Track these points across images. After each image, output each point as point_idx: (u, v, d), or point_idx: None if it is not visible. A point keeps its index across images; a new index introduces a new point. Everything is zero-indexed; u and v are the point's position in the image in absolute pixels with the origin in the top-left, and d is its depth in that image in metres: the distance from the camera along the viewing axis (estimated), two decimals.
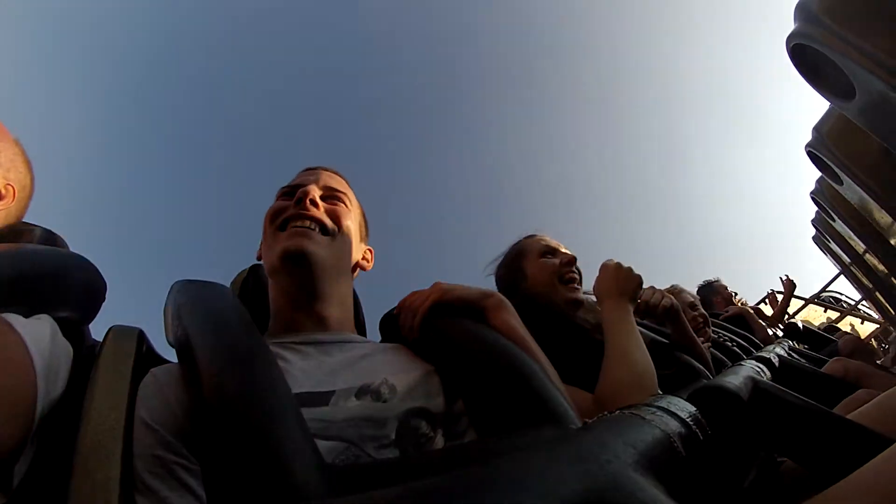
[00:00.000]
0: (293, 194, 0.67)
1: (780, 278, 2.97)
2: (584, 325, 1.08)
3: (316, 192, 0.67)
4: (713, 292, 2.72)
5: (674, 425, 0.43)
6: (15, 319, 0.45)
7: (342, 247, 0.67)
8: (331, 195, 0.70)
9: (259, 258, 0.72)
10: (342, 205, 0.70)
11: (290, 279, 0.63)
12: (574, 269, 1.13)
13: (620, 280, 0.97)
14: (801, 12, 1.16)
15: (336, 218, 0.67)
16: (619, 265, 1.00)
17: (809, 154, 1.87)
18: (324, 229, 0.65)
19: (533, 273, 1.12)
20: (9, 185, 0.66)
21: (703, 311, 1.71)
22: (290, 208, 0.65)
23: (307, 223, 0.64)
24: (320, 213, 0.66)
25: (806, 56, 1.22)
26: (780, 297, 3.07)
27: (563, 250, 1.16)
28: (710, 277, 2.81)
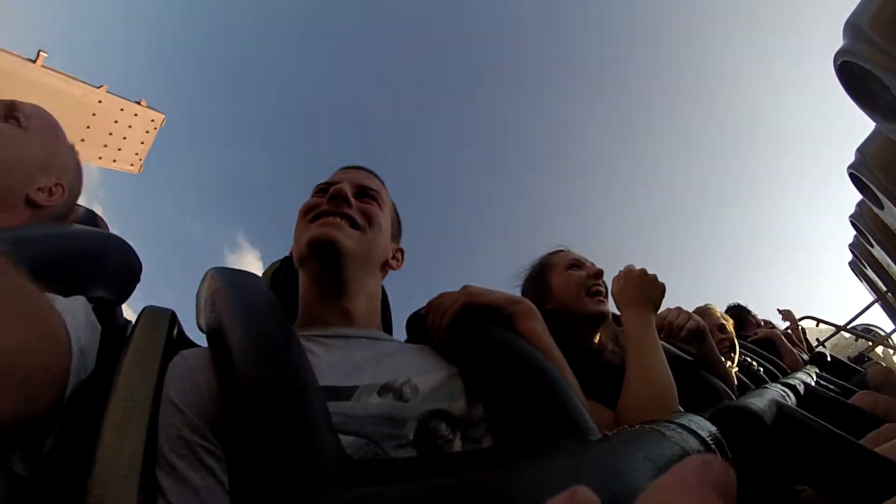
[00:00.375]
0: (327, 191, 0.68)
1: (779, 311, 2.79)
2: (601, 346, 1.06)
3: (349, 190, 0.68)
4: (744, 312, 2.64)
5: (694, 444, 0.42)
6: (55, 299, 0.47)
7: (371, 242, 0.68)
8: (364, 194, 0.71)
9: (292, 254, 0.73)
10: (374, 203, 0.71)
11: (317, 267, 0.64)
12: (601, 282, 1.11)
13: (645, 287, 0.94)
14: (850, 29, 1.12)
15: (367, 215, 0.68)
16: (643, 272, 0.97)
17: (851, 176, 1.80)
18: (354, 224, 0.66)
19: (559, 285, 1.10)
20: (59, 184, 0.70)
21: (731, 335, 1.67)
22: (322, 204, 0.66)
23: (338, 218, 0.65)
24: (352, 210, 0.67)
25: (854, 74, 1.17)
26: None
27: (590, 264, 1.15)
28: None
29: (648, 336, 0.87)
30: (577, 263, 1.14)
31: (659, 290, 0.95)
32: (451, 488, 0.23)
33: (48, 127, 0.71)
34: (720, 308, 1.91)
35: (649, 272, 0.97)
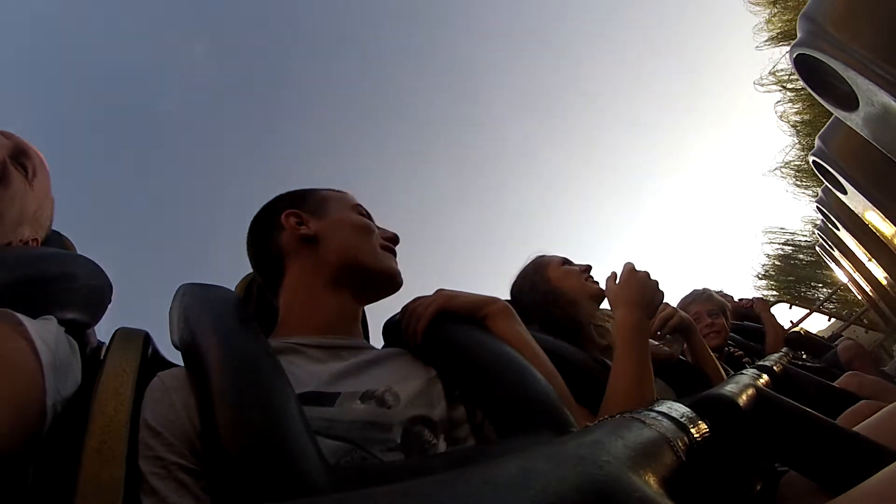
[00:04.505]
0: (369, 218, 0.73)
1: (747, 300, 2.72)
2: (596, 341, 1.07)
3: None
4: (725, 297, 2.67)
5: (674, 430, 0.43)
6: (24, 319, 0.46)
7: None
8: None
9: (305, 235, 0.65)
10: None
11: (367, 290, 0.68)
12: (591, 276, 1.14)
13: (646, 292, 0.89)
14: (805, 22, 1.17)
15: None
16: (647, 274, 0.92)
17: (814, 164, 1.88)
18: None
19: (558, 278, 1.13)
20: (35, 239, 0.68)
21: (723, 321, 1.71)
22: (379, 236, 0.70)
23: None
24: None
25: (811, 66, 1.22)
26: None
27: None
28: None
29: (641, 339, 0.83)
30: (568, 261, 1.18)
31: (659, 299, 0.91)
32: (431, 488, 0.23)
33: (45, 181, 0.69)
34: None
35: (652, 276, 0.92)
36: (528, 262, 1.23)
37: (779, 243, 8.88)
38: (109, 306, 0.68)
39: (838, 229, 2.52)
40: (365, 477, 0.39)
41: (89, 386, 0.47)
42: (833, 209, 2.43)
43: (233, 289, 0.76)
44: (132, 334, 0.53)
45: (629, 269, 0.94)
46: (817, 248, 3.49)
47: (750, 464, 0.66)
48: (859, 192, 1.70)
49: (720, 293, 2.72)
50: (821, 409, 0.64)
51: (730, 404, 0.53)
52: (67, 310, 0.56)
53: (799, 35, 1.18)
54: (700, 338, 1.20)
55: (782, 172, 8.13)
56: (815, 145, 1.80)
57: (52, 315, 0.53)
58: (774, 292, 8.91)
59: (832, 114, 1.40)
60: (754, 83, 7.74)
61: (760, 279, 9.17)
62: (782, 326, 2.32)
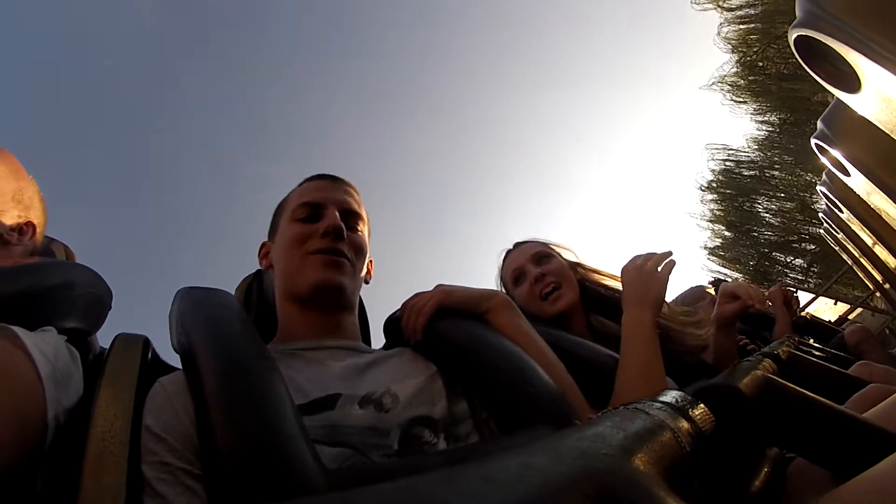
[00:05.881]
0: (315, 214, 0.67)
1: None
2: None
3: (340, 222, 0.66)
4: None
5: (677, 421, 0.43)
6: (20, 332, 0.46)
7: (360, 272, 0.70)
8: (352, 220, 0.70)
9: (267, 266, 0.73)
10: (361, 232, 0.71)
11: (318, 308, 0.65)
12: (549, 282, 1.04)
13: (652, 290, 0.84)
14: (804, 2, 1.15)
15: (358, 247, 0.68)
16: (652, 268, 0.87)
17: (816, 146, 1.85)
18: (349, 260, 0.66)
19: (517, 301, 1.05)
20: (30, 222, 0.69)
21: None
22: (316, 238, 0.65)
23: (340, 259, 0.65)
24: (346, 245, 0.66)
25: (811, 47, 1.20)
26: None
27: (531, 266, 1.08)
28: None
29: (645, 335, 0.79)
30: (520, 274, 1.14)
31: (664, 293, 0.85)
32: (429, 485, 0.23)
33: (10, 164, 0.70)
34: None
35: (648, 267, 0.87)
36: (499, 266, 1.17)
37: (720, 159, 9.39)
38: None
39: (842, 212, 2.49)
40: (362, 478, 0.39)
41: (91, 393, 0.47)
42: (837, 192, 2.40)
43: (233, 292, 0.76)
44: (131, 340, 0.54)
45: (633, 267, 0.89)
46: (822, 232, 3.46)
47: (757, 451, 0.66)
48: (863, 175, 1.68)
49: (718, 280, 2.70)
50: (828, 395, 0.63)
51: (733, 391, 0.53)
52: (68, 319, 0.57)
53: (798, 15, 1.16)
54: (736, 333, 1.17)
55: (719, 87, 8.70)
56: (818, 127, 1.78)
57: (53, 325, 0.54)
58: (720, 206, 9.41)
59: (769, 31, 1.38)
60: (691, 2, 8.37)
61: (703, 191, 9.65)
62: (792, 313, 2.30)
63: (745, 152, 9.12)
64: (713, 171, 9.44)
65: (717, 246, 9.69)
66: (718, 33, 8.15)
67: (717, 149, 9.35)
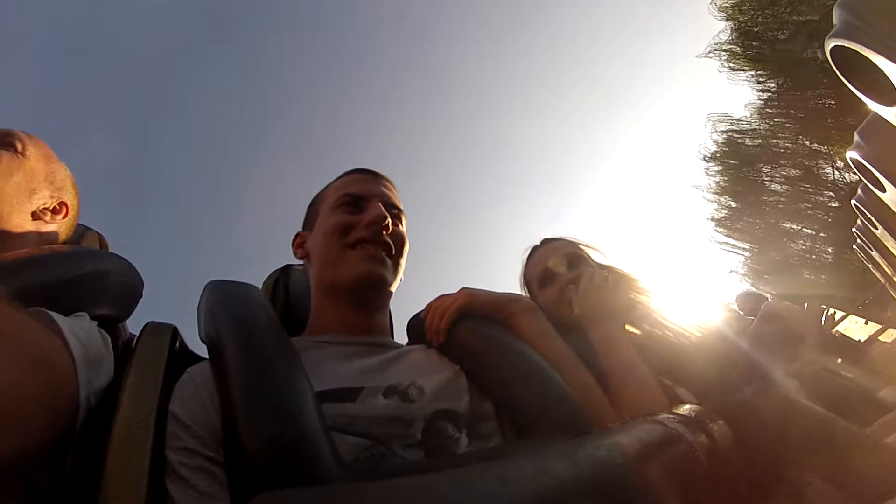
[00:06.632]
0: (357, 205, 0.67)
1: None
2: None
3: (387, 213, 0.66)
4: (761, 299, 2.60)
5: (696, 435, 0.42)
6: (56, 317, 0.48)
7: (400, 267, 0.70)
8: (392, 214, 0.69)
9: (303, 256, 0.73)
10: (401, 226, 0.71)
11: (355, 301, 0.65)
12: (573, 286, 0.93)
13: (609, 303, 0.79)
14: (841, 13, 1.12)
15: (401, 242, 0.69)
16: (602, 281, 0.82)
17: (852, 161, 1.80)
18: (390, 253, 0.67)
19: (542, 305, 0.92)
20: (63, 202, 0.71)
21: None
22: (360, 228, 0.65)
23: (380, 250, 0.65)
24: (391, 239, 0.66)
25: (847, 58, 1.17)
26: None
27: (562, 270, 0.98)
28: None
29: (619, 351, 0.74)
30: (548, 276, 1.08)
31: (627, 300, 0.80)
32: (447, 482, 0.23)
33: (41, 150, 0.73)
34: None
35: (611, 275, 0.82)
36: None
37: (722, 130, 9.23)
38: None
39: (876, 228, 2.40)
40: (378, 474, 0.39)
41: (121, 377, 0.49)
42: (871, 208, 2.31)
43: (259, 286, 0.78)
44: (161, 328, 0.56)
45: (588, 288, 0.82)
46: (855, 248, 3.34)
47: (774, 472, 0.64)
48: None
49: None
50: (853, 418, 0.61)
51: (755, 411, 0.52)
52: (100, 305, 0.59)
53: (836, 26, 1.13)
54: None
55: (716, 55, 8.55)
56: (854, 141, 1.72)
57: (86, 311, 0.56)
58: (725, 177, 9.27)
59: None
60: None
61: (708, 162, 9.47)
62: (821, 330, 2.23)
63: (746, 121, 8.94)
64: (716, 142, 9.28)
65: (724, 217, 9.43)
66: (713, 2, 7.99)
67: (719, 119, 9.16)
